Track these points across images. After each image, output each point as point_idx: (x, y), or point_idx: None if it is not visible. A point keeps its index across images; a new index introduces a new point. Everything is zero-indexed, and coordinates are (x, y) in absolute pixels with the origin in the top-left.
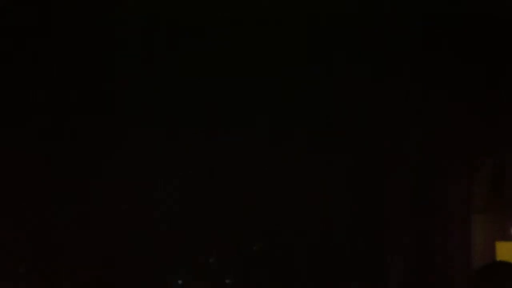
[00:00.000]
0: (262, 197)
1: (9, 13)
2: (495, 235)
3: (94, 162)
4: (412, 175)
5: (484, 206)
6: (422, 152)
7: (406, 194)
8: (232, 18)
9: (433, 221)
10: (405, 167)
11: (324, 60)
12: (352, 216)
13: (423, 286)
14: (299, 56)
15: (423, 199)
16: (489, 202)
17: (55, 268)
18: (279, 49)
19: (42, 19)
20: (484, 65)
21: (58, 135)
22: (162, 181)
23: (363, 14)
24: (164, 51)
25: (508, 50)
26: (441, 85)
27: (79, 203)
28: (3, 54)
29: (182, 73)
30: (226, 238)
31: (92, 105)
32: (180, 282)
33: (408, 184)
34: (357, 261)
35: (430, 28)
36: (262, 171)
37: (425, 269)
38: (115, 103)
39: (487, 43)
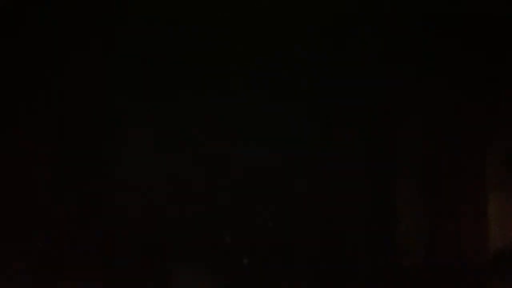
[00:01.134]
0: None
1: (9, 13)
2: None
3: (94, 161)
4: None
5: (499, 182)
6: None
7: (416, 166)
8: (232, 18)
9: (445, 199)
10: (416, 139)
11: (324, 59)
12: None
13: (436, 265)
14: (299, 56)
15: (434, 178)
16: (505, 177)
17: (55, 268)
18: (279, 49)
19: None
20: (484, 65)
21: (59, 135)
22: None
23: (363, 14)
24: (164, 51)
25: (508, 50)
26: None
27: (79, 203)
28: (3, 54)
29: (182, 73)
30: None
31: (92, 105)
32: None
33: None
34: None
35: (430, 28)
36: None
37: (437, 247)
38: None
39: (487, 43)
